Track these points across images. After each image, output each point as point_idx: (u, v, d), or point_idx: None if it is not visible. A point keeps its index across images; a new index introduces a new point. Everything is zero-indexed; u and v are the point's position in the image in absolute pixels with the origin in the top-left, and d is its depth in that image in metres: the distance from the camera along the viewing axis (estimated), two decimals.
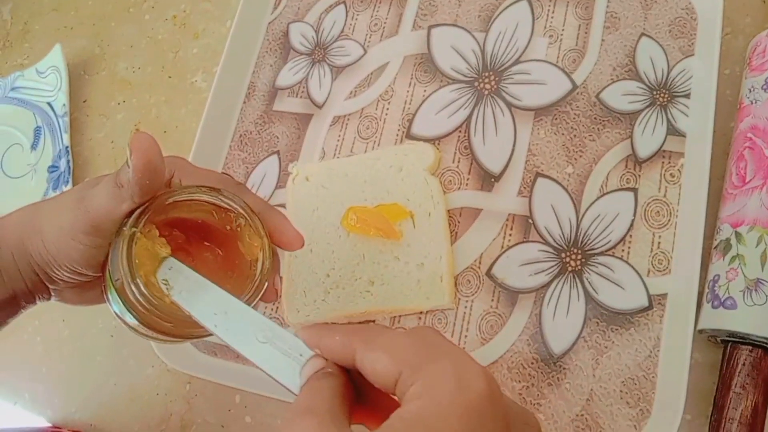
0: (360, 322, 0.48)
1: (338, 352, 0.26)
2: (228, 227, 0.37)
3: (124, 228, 0.33)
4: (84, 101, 0.68)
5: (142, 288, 0.32)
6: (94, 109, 0.67)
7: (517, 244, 0.46)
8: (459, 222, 0.48)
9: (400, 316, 0.47)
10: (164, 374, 0.54)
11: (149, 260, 0.34)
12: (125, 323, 0.35)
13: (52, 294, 0.39)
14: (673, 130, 0.45)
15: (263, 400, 0.49)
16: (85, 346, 0.58)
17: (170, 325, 0.34)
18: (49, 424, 0.56)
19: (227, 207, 0.36)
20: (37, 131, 0.68)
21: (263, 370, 0.28)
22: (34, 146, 0.67)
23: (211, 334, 0.33)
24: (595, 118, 0.47)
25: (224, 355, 0.50)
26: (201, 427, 0.51)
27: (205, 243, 0.38)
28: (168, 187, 0.37)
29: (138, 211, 0.34)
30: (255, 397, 0.50)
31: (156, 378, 0.54)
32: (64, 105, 0.66)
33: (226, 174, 0.39)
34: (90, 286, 0.38)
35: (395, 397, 0.25)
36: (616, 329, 0.42)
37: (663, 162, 0.45)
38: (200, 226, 0.38)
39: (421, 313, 0.47)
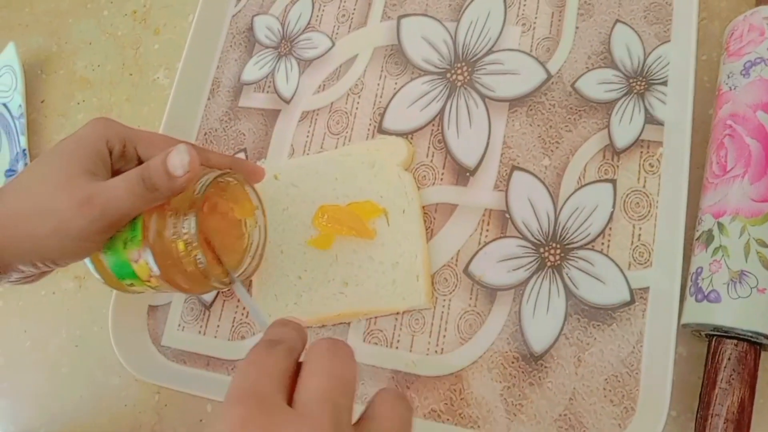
0: (335, 325, 0.46)
1: None
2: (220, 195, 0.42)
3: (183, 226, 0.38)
4: (41, 101, 0.65)
5: (199, 255, 0.38)
6: (53, 109, 0.64)
7: (494, 239, 0.45)
8: (434, 218, 0.46)
9: (376, 317, 0.46)
10: (132, 384, 0.51)
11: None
12: (117, 280, 0.40)
13: None
14: (651, 119, 0.44)
15: None
16: (49, 357, 0.55)
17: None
18: None
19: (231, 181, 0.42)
20: None
21: None
22: None
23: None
24: (570, 108, 0.46)
25: (193, 364, 0.48)
26: None
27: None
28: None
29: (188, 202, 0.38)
30: None
31: (123, 389, 0.52)
32: (20, 106, 0.62)
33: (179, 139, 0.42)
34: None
35: None
36: (598, 325, 0.41)
37: (641, 152, 0.44)
38: None
39: (397, 313, 0.45)
